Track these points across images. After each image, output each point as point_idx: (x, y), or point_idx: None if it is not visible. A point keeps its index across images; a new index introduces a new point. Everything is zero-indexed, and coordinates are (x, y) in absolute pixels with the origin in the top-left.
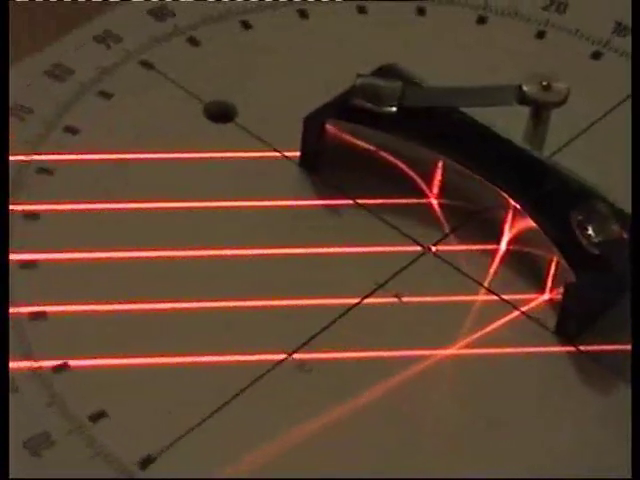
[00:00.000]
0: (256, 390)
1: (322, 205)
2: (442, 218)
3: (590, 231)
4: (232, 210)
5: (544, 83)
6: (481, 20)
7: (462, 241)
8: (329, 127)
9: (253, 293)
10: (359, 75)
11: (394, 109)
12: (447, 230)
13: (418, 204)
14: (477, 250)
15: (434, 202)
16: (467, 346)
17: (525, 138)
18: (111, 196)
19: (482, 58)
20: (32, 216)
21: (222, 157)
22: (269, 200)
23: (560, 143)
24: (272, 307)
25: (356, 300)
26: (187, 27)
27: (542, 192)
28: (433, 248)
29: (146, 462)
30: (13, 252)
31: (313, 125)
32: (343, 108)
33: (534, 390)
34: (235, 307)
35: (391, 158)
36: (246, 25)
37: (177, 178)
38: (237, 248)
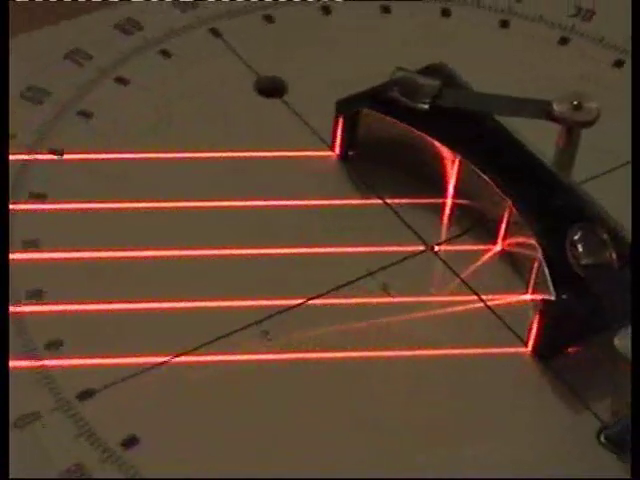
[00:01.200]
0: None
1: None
2: (456, 219)
3: (580, 251)
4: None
5: (575, 102)
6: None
7: (468, 243)
8: (364, 118)
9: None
10: (399, 68)
11: (427, 106)
12: (458, 232)
13: (436, 203)
14: (477, 253)
15: (452, 202)
16: (436, 347)
17: (556, 155)
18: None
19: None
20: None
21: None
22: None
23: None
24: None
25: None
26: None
27: (548, 206)
28: (436, 247)
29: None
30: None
31: (345, 110)
32: (378, 99)
33: (503, 392)
34: (242, 306)
35: (419, 155)
36: (326, 10)
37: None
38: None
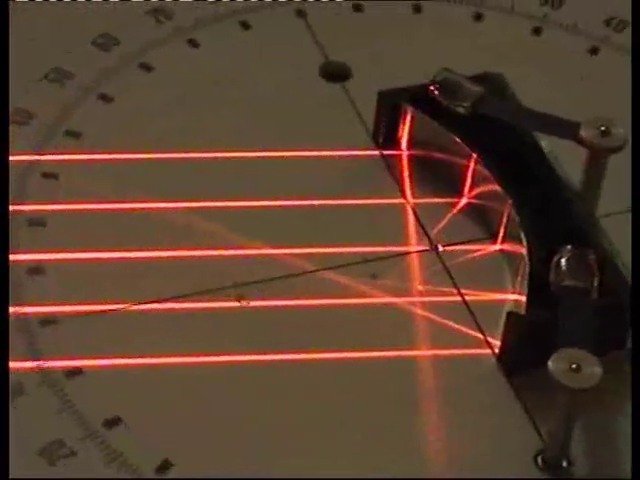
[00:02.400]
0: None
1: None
2: (470, 224)
3: (563, 272)
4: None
5: (603, 128)
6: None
7: (471, 247)
8: (407, 113)
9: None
10: (445, 69)
11: (464, 110)
12: (469, 236)
13: (454, 205)
14: (477, 258)
15: (470, 206)
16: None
17: (583, 178)
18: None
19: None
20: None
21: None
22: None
23: None
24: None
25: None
26: None
27: (549, 224)
28: (441, 248)
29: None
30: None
31: (386, 102)
32: (418, 95)
33: (456, 395)
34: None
35: (451, 155)
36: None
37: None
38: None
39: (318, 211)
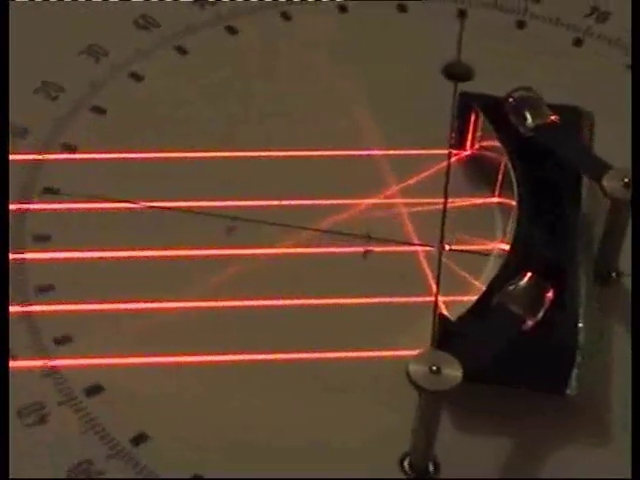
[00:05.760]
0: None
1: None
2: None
3: (510, 291)
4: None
5: (626, 180)
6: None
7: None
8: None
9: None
10: (528, 88)
11: (523, 130)
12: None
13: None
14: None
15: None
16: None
17: (605, 228)
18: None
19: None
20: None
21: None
22: None
23: None
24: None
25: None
26: None
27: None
28: (447, 247)
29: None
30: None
31: (463, 103)
32: (492, 104)
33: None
34: (253, 306)
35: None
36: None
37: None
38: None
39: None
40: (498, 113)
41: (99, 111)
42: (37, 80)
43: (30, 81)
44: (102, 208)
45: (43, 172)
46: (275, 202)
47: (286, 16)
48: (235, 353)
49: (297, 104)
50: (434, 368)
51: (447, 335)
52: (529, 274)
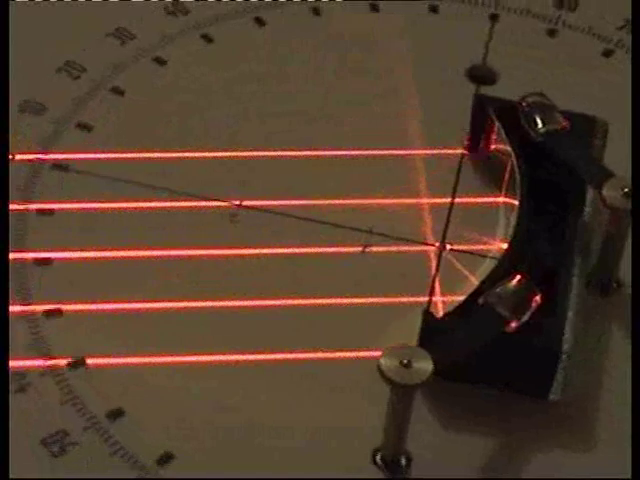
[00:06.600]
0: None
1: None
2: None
3: (495, 292)
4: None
5: (626, 189)
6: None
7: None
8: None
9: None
10: (541, 94)
11: (534, 135)
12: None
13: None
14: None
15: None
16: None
17: (604, 237)
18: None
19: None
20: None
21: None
22: None
23: None
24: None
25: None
26: None
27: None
28: (448, 247)
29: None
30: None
31: (478, 105)
32: (506, 107)
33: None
34: (254, 306)
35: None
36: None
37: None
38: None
39: None
40: (511, 117)
41: (118, 92)
42: (61, 59)
43: (53, 60)
44: (103, 207)
45: (55, 149)
46: (285, 201)
47: (316, 11)
48: (232, 353)
49: (313, 103)
50: (405, 362)
51: (429, 331)
52: (518, 276)
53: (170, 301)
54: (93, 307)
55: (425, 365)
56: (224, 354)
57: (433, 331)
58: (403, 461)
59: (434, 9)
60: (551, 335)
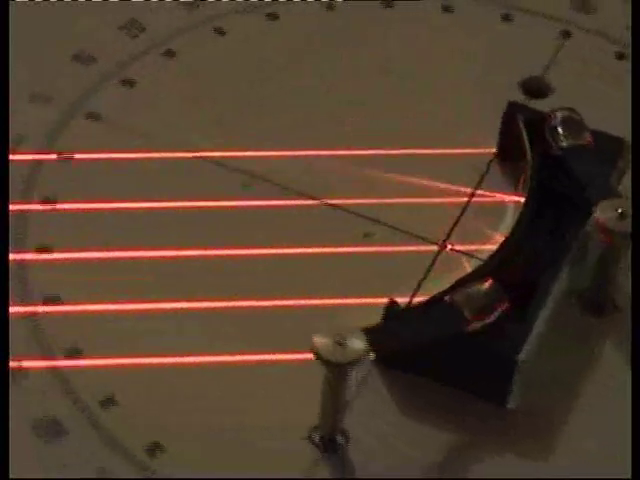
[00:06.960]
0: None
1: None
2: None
3: (465, 292)
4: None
5: (620, 210)
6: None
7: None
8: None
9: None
10: (571, 109)
11: (555, 148)
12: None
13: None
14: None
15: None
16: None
17: (599, 259)
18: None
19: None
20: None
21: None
22: None
23: None
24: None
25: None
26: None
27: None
28: (448, 246)
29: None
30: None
31: (508, 113)
32: (536, 118)
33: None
34: (252, 306)
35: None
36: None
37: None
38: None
39: None
40: (538, 127)
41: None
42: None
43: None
44: (102, 208)
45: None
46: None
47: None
48: (233, 353)
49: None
50: (338, 340)
51: (390, 320)
52: (490, 280)
53: (170, 301)
54: (91, 307)
55: (359, 345)
56: (220, 355)
57: (393, 320)
58: (340, 439)
59: (507, 17)
60: (513, 342)
